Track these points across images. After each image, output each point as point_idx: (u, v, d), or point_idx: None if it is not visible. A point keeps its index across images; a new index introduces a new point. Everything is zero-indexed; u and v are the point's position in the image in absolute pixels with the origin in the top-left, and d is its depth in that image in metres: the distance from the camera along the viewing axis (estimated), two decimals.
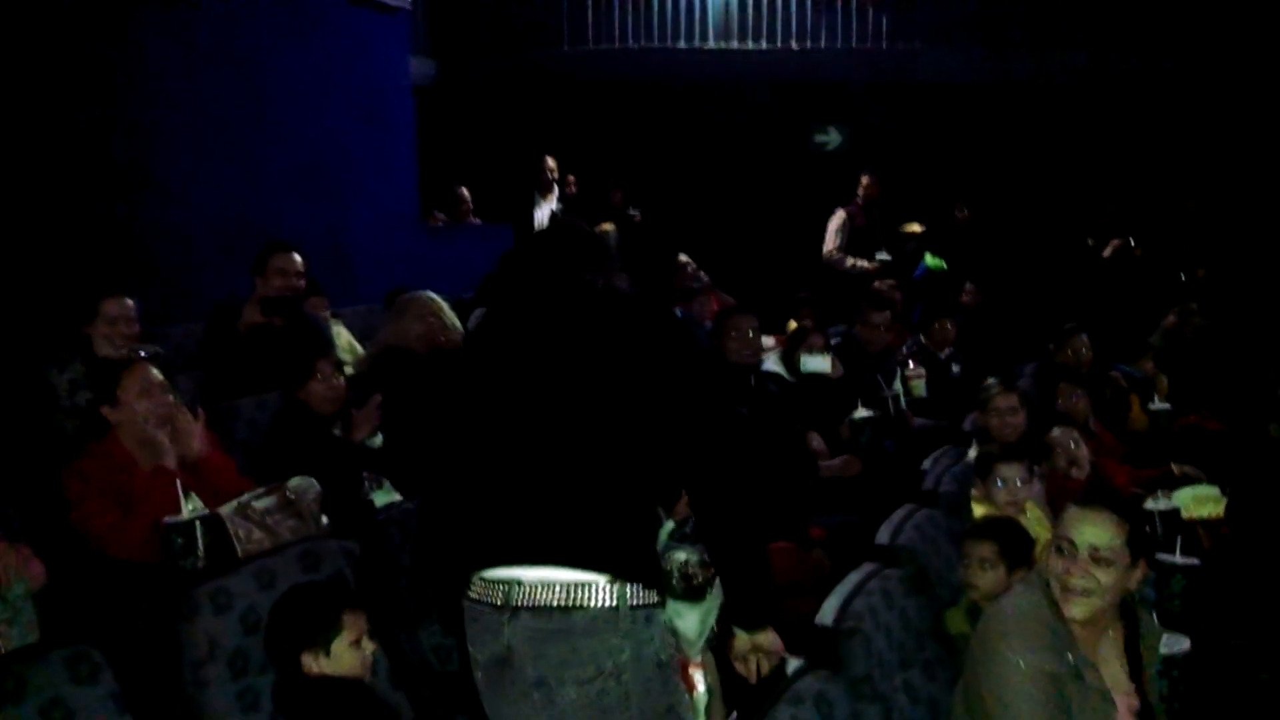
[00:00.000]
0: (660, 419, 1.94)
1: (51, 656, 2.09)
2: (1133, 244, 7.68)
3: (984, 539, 2.96)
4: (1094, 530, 2.29)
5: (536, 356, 2.03)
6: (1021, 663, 2.19)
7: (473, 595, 1.98)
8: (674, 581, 2.13)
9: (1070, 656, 2.23)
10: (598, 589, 1.88)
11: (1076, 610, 2.28)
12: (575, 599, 1.88)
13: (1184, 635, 2.47)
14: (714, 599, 2.15)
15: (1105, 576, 2.27)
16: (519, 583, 1.90)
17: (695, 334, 2.10)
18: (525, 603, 1.90)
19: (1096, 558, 2.27)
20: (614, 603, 1.89)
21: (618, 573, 1.90)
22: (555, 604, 1.88)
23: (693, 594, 2.15)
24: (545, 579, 1.89)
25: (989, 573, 2.90)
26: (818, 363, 4.97)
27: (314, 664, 2.36)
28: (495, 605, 1.93)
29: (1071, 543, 2.29)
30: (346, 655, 2.37)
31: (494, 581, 1.94)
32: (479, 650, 2.00)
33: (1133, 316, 7.70)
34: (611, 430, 1.94)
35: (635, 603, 1.91)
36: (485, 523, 1.99)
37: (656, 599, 1.97)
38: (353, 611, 2.40)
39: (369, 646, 2.42)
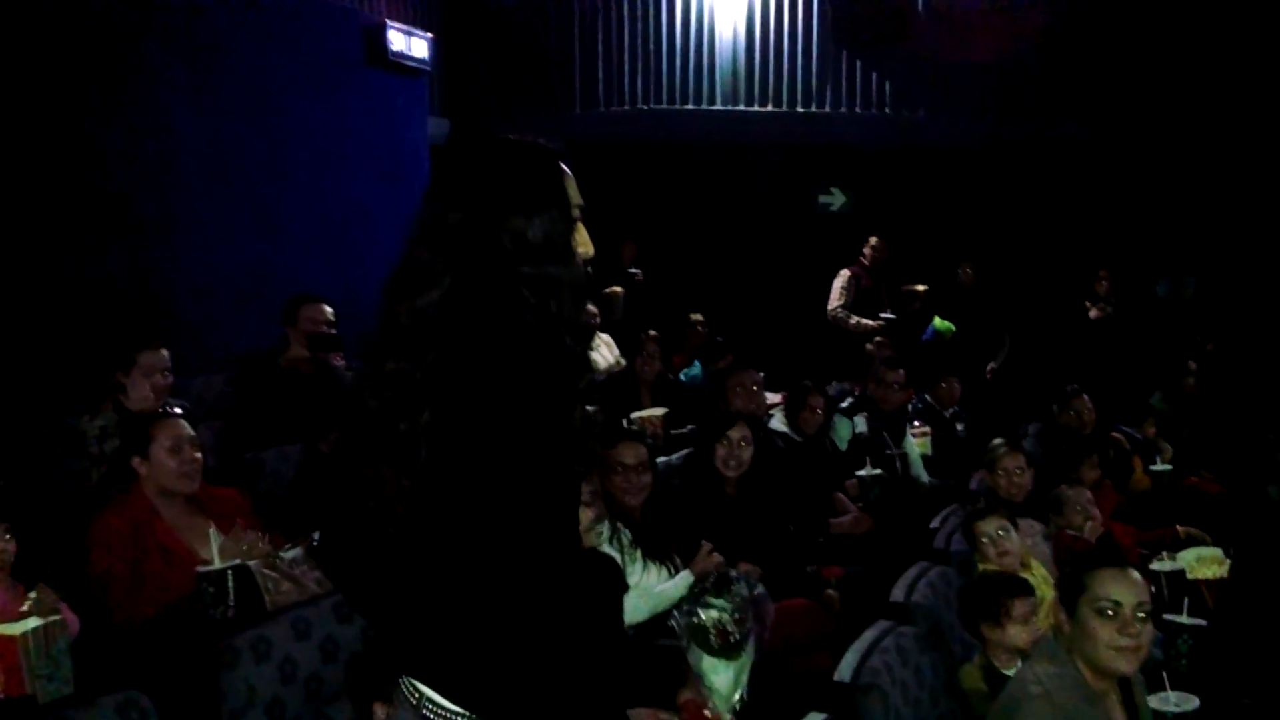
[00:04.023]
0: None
1: (102, 702, 2.14)
2: (1112, 312, 7.88)
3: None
4: (1135, 588, 2.38)
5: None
6: None
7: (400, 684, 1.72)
8: (710, 638, 2.11)
9: None
10: None
11: (1128, 667, 2.35)
12: None
13: (1192, 694, 2.53)
14: (749, 655, 2.16)
15: (1148, 631, 2.37)
16: (429, 699, 1.65)
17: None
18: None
19: (1140, 615, 2.35)
20: None
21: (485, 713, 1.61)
22: None
23: (729, 650, 2.14)
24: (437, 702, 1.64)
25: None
26: (851, 425, 5.15)
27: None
28: (411, 705, 1.68)
29: (1117, 604, 2.34)
30: None
31: (409, 685, 1.69)
32: None
33: (1129, 380, 7.82)
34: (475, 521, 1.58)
35: None
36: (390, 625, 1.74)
37: None
38: None
39: None
